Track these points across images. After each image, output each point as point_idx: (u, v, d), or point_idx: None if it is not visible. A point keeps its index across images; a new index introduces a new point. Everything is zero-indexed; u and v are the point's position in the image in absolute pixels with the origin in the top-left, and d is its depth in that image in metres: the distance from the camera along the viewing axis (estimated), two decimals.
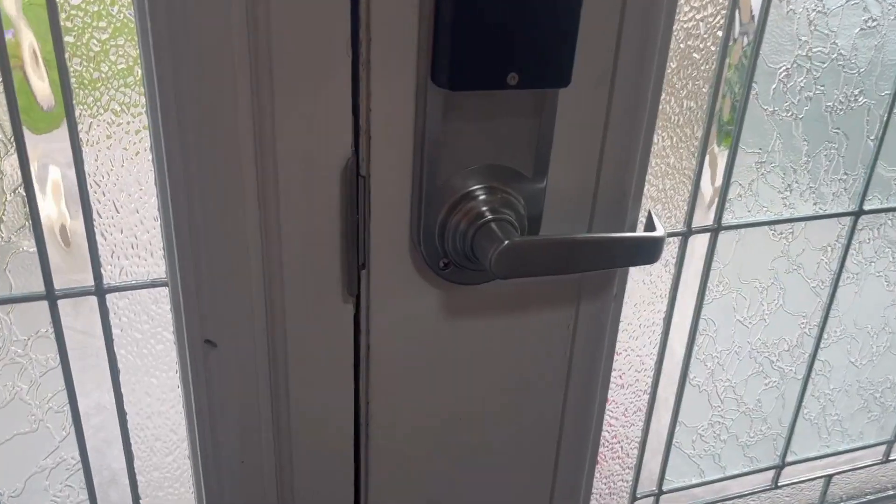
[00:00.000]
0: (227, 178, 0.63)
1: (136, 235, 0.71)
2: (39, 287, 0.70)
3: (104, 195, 0.67)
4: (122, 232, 0.69)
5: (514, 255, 0.58)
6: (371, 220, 0.61)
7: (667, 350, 0.92)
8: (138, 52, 0.65)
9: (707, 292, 0.91)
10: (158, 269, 0.73)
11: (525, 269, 0.61)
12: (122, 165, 0.69)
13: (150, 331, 0.75)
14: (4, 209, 0.69)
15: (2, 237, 0.69)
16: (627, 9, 0.63)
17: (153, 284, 0.73)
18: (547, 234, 0.66)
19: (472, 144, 0.61)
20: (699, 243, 0.88)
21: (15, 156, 0.65)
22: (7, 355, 0.74)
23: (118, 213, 0.70)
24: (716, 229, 0.88)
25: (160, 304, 0.74)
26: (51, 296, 0.70)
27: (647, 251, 0.66)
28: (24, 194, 0.67)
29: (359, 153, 0.59)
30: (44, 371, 0.75)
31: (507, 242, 0.57)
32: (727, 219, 0.89)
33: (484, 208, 0.61)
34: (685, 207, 0.84)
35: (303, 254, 0.68)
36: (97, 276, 0.71)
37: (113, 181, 0.69)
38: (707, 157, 0.82)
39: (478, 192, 0.62)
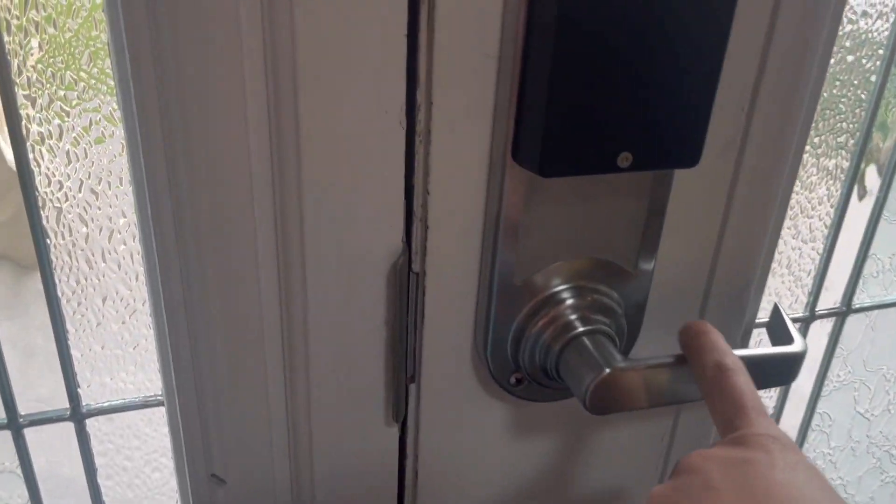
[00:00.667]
0: (239, 269, 0.48)
1: (122, 347, 0.56)
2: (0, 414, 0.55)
3: (78, 304, 0.52)
4: (102, 347, 0.54)
5: (616, 387, 0.45)
6: (425, 325, 0.49)
7: None
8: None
9: (825, 383, 0.75)
10: (153, 384, 0.57)
11: (631, 403, 0.46)
12: (104, 260, 0.54)
13: (142, 458, 0.60)
14: None
15: None
16: (770, 56, 0.48)
17: (145, 405, 0.58)
18: (657, 358, 0.50)
19: (560, 234, 0.48)
20: (822, 327, 0.72)
21: None
22: None
23: (98, 324, 0.55)
24: (843, 312, 0.72)
25: (155, 426, 0.59)
26: (14, 424, 0.56)
27: (783, 371, 0.52)
28: None
29: (411, 245, 0.46)
30: None
31: (607, 371, 0.44)
32: (860, 299, 0.73)
33: (574, 316, 0.48)
34: (809, 285, 0.68)
35: (336, 368, 0.54)
36: (73, 397, 0.56)
37: (92, 285, 0.54)
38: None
39: (565, 294, 0.48)
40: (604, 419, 0.58)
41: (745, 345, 0.60)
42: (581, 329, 0.47)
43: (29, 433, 0.56)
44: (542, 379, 0.50)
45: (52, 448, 0.60)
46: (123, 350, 0.56)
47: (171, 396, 0.56)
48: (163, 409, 0.59)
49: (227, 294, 0.51)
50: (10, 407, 0.55)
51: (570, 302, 0.48)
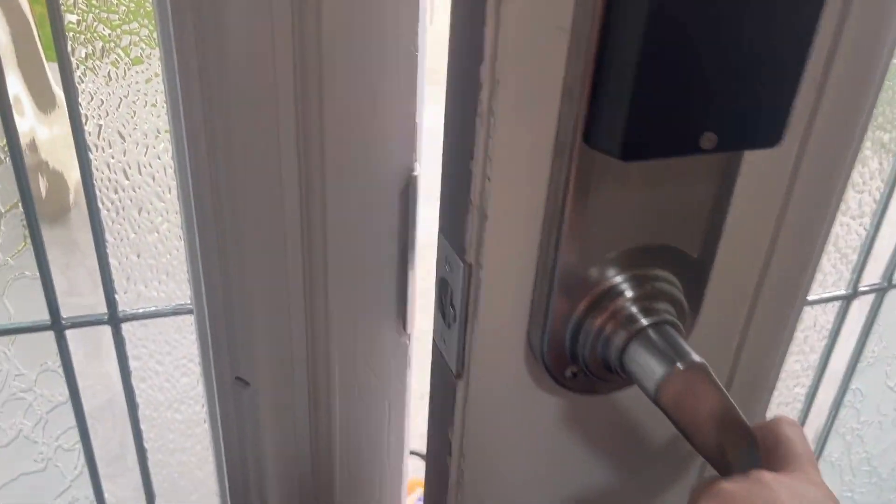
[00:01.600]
0: (265, 184, 0.52)
1: (156, 257, 0.60)
2: (44, 315, 0.59)
3: (116, 214, 0.56)
4: (138, 256, 0.58)
5: (689, 382, 0.42)
6: (478, 320, 0.45)
7: (805, 425, 0.77)
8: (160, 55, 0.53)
9: (860, 359, 0.75)
10: (182, 293, 0.62)
11: (708, 403, 0.43)
12: (140, 172, 0.58)
13: (172, 363, 0.65)
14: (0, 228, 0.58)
15: None
16: (844, 32, 0.46)
17: (176, 312, 0.62)
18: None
19: (623, 221, 0.45)
20: (862, 303, 0.72)
21: (9, 164, 0.54)
22: (9, 391, 0.64)
23: (134, 234, 0.58)
24: (885, 288, 0.71)
25: (184, 333, 0.63)
26: (57, 325, 0.60)
27: None
28: (22, 209, 0.56)
29: (466, 236, 0.43)
30: (51, 407, 0.65)
31: (680, 367, 0.41)
32: None
33: (638, 306, 0.45)
34: (854, 261, 0.67)
35: (352, 277, 0.58)
36: (111, 302, 0.60)
37: (129, 195, 0.58)
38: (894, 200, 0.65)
39: (628, 283, 0.46)
40: (654, 411, 0.56)
41: (795, 324, 0.59)
42: (647, 321, 0.44)
43: (70, 335, 0.60)
44: (601, 372, 0.48)
45: (91, 350, 0.65)
46: (157, 260, 0.59)
47: (199, 304, 0.60)
48: (192, 317, 0.64)
49: (253, 208, 0.54)
50: (54, 310, 0.59)
51: (633, 292, 0.45)
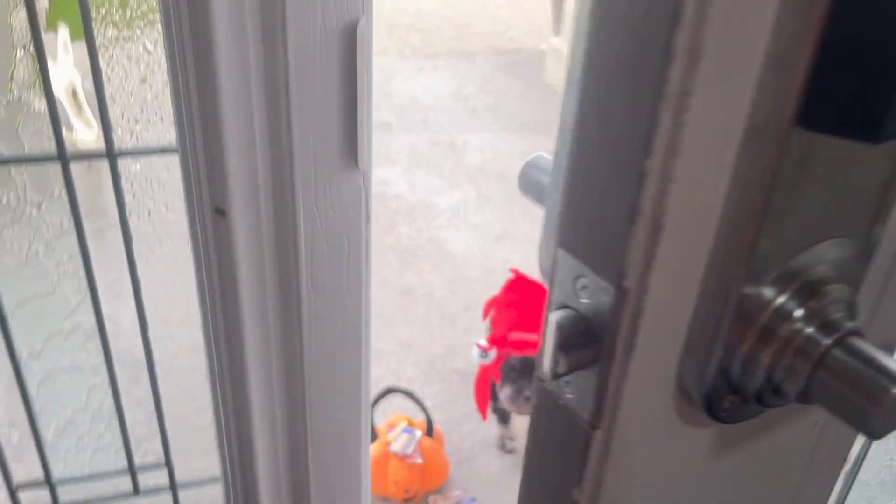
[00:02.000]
0: (230, 35, 0.62)
1: (146, 100, 0.70)
2: (52, 149, 0.70)
3: (111, 56, 0.66)
4: (132, 95, 0.68)
5: None
6: (633, 356, 0.37)
7: None
8: None
9: None
10: (170, 136, 0.72)
11: None
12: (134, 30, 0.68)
13: (162, 199, 0.75)
14: (15, 66, 0.68)
15: (13, 94, 0.68)
16: None
17: (164, 150, 0.73)
18: None
19: (806, 220, 0.37)
20: None
21: (23, 10, 0.63)
22: (23, 217, 0.75)
23: (127, 78, 0.69)
24: None
25: (172, 171, 0.73)
26: (63, 157, 0.71)
27: None
28: (34, 51, 0.66)
29: (625, 255, 0.35)
30: (58, 234, 0.76)
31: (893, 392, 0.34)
32: None
33: (820, 322, 0.37)
34: None
35: (306, 116, 0.67)
36: (108, 139, 0.70)
37: (121, 46, 0.68)
38: None
39: (804, 295, 0.38)
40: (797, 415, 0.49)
41: None
42: (834, 338, 0.37)
43: (74, 167, 0.71)
44: (771, 399, 0.40)
45: (91, 183, 0.75)
46: (148, 102, 0.70)
47: (183, 144, 0.71)
48: (177, 156, 0.74)
49: (226, 60, 0.65)
50: (60, 143, 0.70)
51: (812, 304, 0.38)
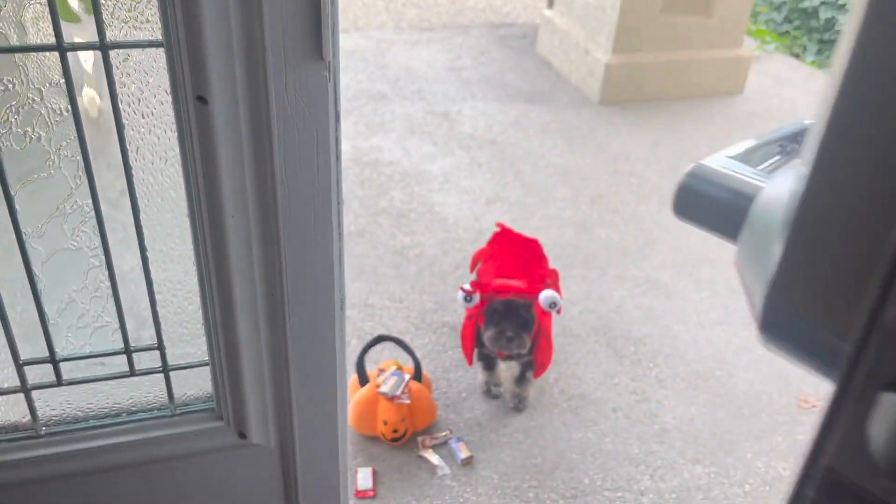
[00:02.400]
0: None
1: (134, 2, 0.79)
2: (52, 39, 0.79)
3: None
4: None
5: None
6: None
7: None
8: None
9: None
10: (156, 31, 0.81)
11: None
12: None
13: (150, 91, 0.84)
14: None
15: None
16: None
17: (151, 44, 0.82)
18: None
19: None
20: None
21: None
22: (26, 102, 0.84)
23: None
24: None
25: (158, 61, 0.82)
26: (61, 47, 0.80)
27: None
28: None
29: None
30: (59, 119, 0.85)
31: None
32: None
33: None
34: None
35: (278, 14, 0.76)
36: (101, 31, 0.79)
37: None
38: None
39: None
40: None
41: None
42: None
43: (70, 55, 0.80)
44: None
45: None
46: (136, 3, 0.79)
47: (168, 38, 0.80)
48: (163, 50, 0.83)
49: None
50: (59, 34, 0.79)
51: None
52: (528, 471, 2.41)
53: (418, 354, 2.83)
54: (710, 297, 3.25)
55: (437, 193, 3.98)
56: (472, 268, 2.89)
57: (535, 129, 4.75)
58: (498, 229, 2.80)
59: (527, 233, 2.99)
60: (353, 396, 2.51)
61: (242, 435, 1.03)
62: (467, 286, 2.40)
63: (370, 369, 2.57)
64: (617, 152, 4.51)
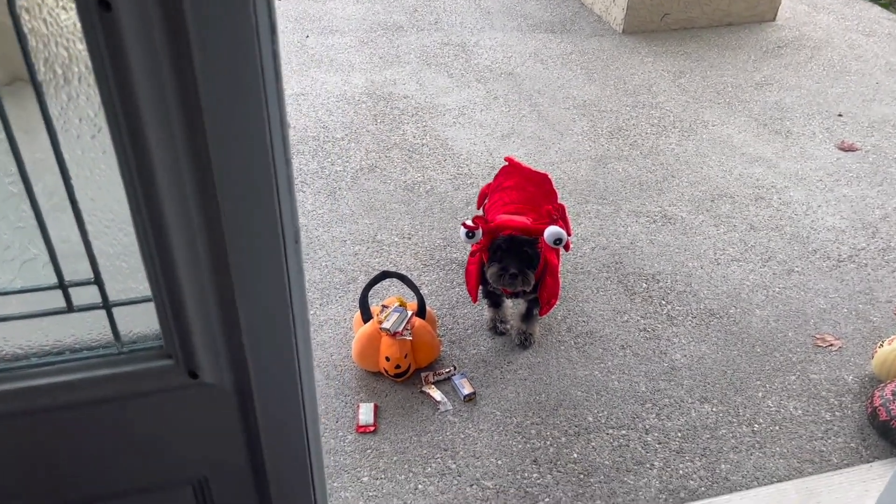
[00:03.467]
0: None
1: None
2: None
3: None
4: None
5: None
6: None
7: None
8: None
9: None
10: None
11: None
12: None
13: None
14: None
15: None
16: None
17: None
18: None
19: None
20: None
21: None
22: None
23: None
24: None
25: None
26: None
27: None
28: None
29: None
30: None
31: None
32: None
33: None
34: None
35: None
36: None
37: None
38: None
39: None
40: None
41: None
42: None
43: None
44: None
45: None
46: None
47: None
48: None
49: None
50: None
51: None
52: (532, 407, 2.38)
53: (424, 291, 2.79)
54: (728, 233, 3.15)
55: (450, 128, 3.89)
56: (479, 204, 2.82)
57: (554, 61, 4.60)
58: (507, 163, 2.72)
59: (541, 168, 2.90)
60: (357, 332, 2.48)
61: (193, 374, 0.99)
62: (469, 222, 2.33)
63: (375, 305, 2.54)
64: (639, 84, 4.35)
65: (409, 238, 3.10)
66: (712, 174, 3.53)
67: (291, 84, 4.24)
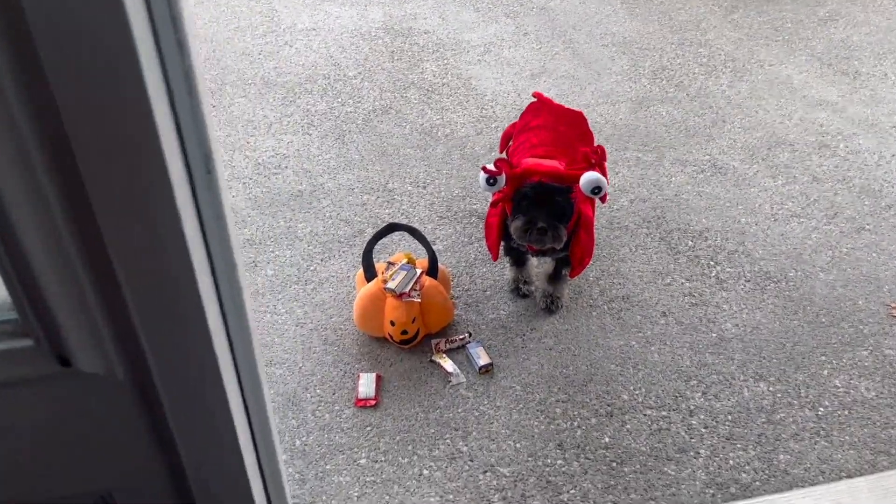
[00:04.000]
0: None
1: None
2: None
3: None
4: None
5: None
6: None
7: None
8: None
9: None
10: None
11: None
12: None
13: None
14: None
15: None
16: None
17: None
18: None
19: None
20: None
21: None
22: None
23: None
24: None
25: None
26: None
27: None
28: None
29: None
30: None
31: None
32: None
33: None
34: None
35: None
36: None
37: None
38: None
39: None
40: None
41: None
42: None
43: None
44: None
45: None
46: None
47: None
48: None
49: None
50: None
51: None
52: (557, 382, 2.06)
53: (438, 247, 2.47)
54: (787, 186, 2.77)
55: (474, 66, 3.52)
56: (503, 146, 2.47)
57: None
58: (534, 100, 2.36)
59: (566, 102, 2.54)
60: (359, 292, 2.17)
61: (65, 361, 0.67)
62: (491, 166, 1.98)
63: (381, 262, 2.22)
64: (686, 19, 3.93)
65: (424, 187, 2.77)
66: (769, 119, 3.14)
67: (303, 19, 3.89)
